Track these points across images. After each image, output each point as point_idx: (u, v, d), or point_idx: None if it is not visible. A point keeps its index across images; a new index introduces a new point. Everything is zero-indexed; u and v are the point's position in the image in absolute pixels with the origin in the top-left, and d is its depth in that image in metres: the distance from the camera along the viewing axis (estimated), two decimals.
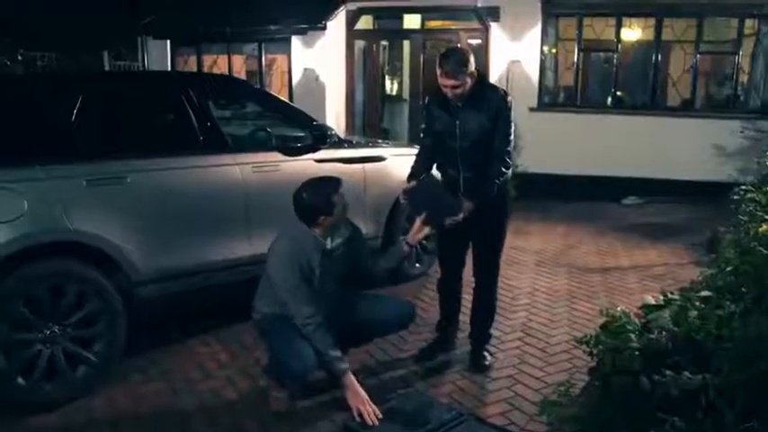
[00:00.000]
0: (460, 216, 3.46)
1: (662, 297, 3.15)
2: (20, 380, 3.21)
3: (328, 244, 3.26)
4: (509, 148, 3.58)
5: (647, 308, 3.06)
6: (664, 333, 2.75)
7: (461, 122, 3.54)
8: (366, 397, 3.09)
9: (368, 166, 4.99)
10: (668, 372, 2.40)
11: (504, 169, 3.58)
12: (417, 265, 5.58)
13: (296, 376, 3.16)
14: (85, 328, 3.44)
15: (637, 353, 2.63)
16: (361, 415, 3.02)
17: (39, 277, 3.26)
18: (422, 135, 3.88)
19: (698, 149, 8.76)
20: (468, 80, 3.45)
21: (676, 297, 3.12)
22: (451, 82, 3.41)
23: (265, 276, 3.30)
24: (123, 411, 3.35)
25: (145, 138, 3.89)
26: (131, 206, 3.61)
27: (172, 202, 3.80)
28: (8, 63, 8.67)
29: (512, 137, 3.59)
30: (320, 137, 4.54)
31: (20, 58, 8.76)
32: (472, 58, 3.46)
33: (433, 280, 5.49)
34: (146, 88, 4.21)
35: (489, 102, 3.52)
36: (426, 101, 3.82)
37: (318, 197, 3.17)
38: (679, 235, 7.21)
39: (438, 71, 3.44)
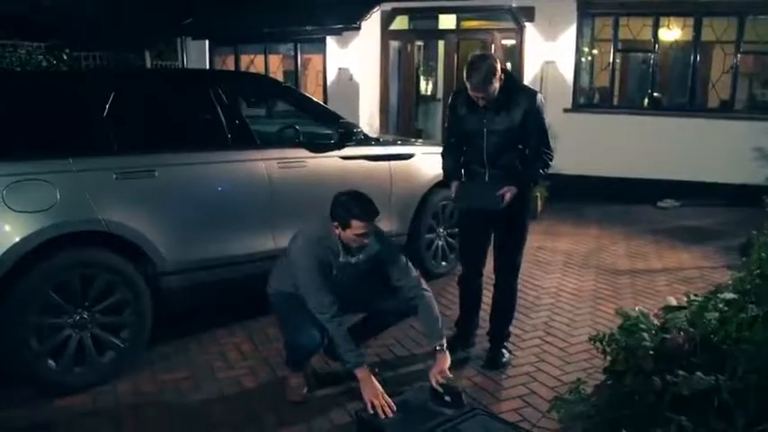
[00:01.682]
0: (502, 207, 3.55)
1: (685, 299, 3.12)
2: (51, 362, 3.36)
3: (342, 257, 3.28)
4: (548, 143, 3.65)
5: (667, 309, 3.04)
6: (681, 333, 2.73)
7: (488, 121, 3.56)
8: (381, 390, 3.12)
9: (394, 163, 5.04)
10: (680, 372, 2.39)
11: (549, 161, 3.66)
12: (443, 263, 5.60)
13: (299, 347, 3.28)
14: (113, 315, 3.57)
15: (651, 352, 2.62)
16: (374, 408, 3.06)
17: (69, 265, 3.39)
18: (448, 133, 3.91)
19: (737, 152, 8.58)
20: (496, 85, 3.47)
21: (699, 299, 3.08)
22: (480, 94, 3.48)
23: (284, 257, 3.37)
24: (146, 396, 3.47)
25: (174, 133, 4.02)
26: (159, 199, 3.73)
27: (198, 195, 3.91)
28: (55, 63, 8.98)
29: (548, 133, 3.66)
30: (346, 134, 4.61)
31: (65, 58, 9.07)
32: (499, 66, 3.46)
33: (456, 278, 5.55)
34: (176, 85, 4.35)
35: (518, 101, 3.53)
36: (451, 99, 3.84)
37: (342, 207, 3.18)
38: (714, 238, 7.09)
39: (466, 82, 3.48)
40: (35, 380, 3.38)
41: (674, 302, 3.12)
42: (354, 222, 3.15)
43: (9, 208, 3.20)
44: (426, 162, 5.28)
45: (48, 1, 9.58)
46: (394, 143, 5.40)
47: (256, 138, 4.25)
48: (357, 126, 4.77)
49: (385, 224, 5.02)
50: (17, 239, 3.21)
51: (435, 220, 5.50)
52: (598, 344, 2.86)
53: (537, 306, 4.90)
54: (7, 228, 3.22)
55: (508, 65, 9.58)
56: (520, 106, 3.52)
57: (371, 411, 3.04)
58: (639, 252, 6.59)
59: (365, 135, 4.81)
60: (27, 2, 9.77)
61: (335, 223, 3.20)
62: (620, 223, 7.84)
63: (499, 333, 3.92)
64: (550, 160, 3.66)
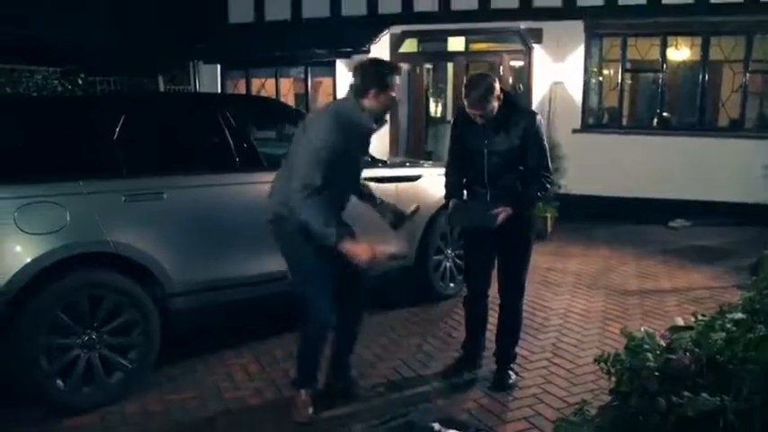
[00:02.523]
0: (495, 226, 3.55)
1: (693, 319, 3.10)
2: (59, 382, 3.39)
3: (372, 124, 3.26)
4: (548, 165, 3.65)
5: (673, 329, 3.02)
6: (687, 354, 2.71)
7: (489, 142, 3.59)
8: (369, 245, 3.15)
9: (401, 185, 5.06)
10: (686, 393, 2.37)
11: (547, 185, 3.66)
12: (451, 284, 5.59)
13: (322, 311, 3.31)
14: (121, 336, 3.60)
15: (656, 373, 2.60)
16: (367, 261, 3.12)
17: (78, 286, 3.45)
18: (449, 154, 3.94)
19: (748, 171, 8.56)
20: (495, 104, 3.52)
21: (706, 319, 3.07)
22: (477, 111, 3.52)
23: (286, 166, 3.30)
24: (154, 416, 3.49)
25: (182, 156, 4.10)
26: (168, 221, 3.79)
27: (207, 217, 3.96)
28: (70, 87, 9.15)
29: (547, 155, 3.65)
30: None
31: (80, 82, 9.24)
32: (497, 85, 3.52)
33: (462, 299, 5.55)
34: (184, 109, 4.43)
35: (517, 122, 3.57)
36: (453, 120, 3.90)
37: (381, 69, 3.21)
38: (724, 258, 7.04)
39: (464, 100, 3.54)
40: (44, 400, 3.42)
41: (681, 323, 3.11)
42: (394, 80, 3.20)
43: (20, 230, 3.27)
44: (434, 183, 5.28)
45: (63, 29, 9.78)
46: (401, 165, 5.44)
47: (264, 160, 4.30)
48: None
49: (392, 246, 5.07)
50: (28, 260, 3.27)
51: (443, 241, 5.51)
52: (603, 365, 2.85)
53: (545, 327, 4.88)
54: (18, 249, 3.29)
55: (520, 86, 9.64)
56: (518, 126, 3.55)
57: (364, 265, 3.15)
58: (649, 272, 6.54)
59: (372, 157, 4.85)
60: (42, 30, 9.99)
61: (372, 92, 3.18)
62: (631, 244, 7.80)
63: (505, 354, 3.91)
64: (550, 183, 3.67)
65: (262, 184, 4.11)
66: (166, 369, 3.97)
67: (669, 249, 7.57)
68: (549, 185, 3.67)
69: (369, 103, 3.21)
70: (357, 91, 3.22)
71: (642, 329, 2.95)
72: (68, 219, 3.38)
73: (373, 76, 3.20)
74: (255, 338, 4.50)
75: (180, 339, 4.07)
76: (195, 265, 3.87)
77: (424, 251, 5.34)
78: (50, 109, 3.99)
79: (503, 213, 3.55)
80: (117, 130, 3.74)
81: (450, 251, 5.57)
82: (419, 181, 5.26)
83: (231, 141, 4.15)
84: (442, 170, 5.39)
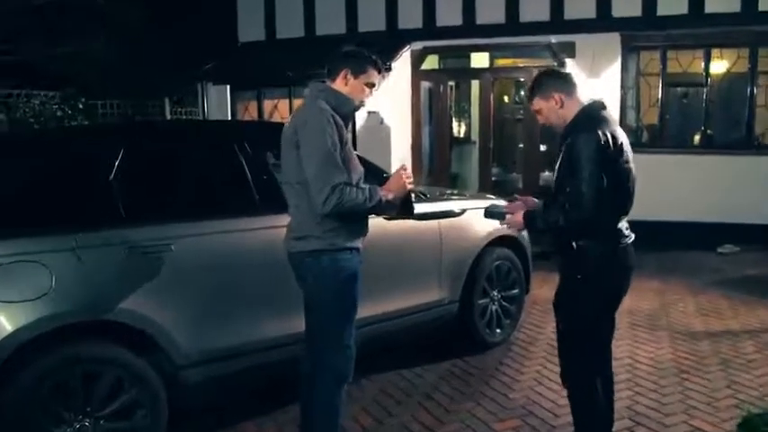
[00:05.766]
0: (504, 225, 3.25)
1: None
2: None
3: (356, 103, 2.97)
4: (580, 200, 2.75)
5: None
6: None
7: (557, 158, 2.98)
8: (401, 181, 2.98)
9: (444, 222, 4.42)
10: None
11: (565, 221, 2.83)
12: (498, 331, 4.93)
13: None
14: (122, 419, 2.95)
15: None
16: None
17: (68, 361, 2.80)
18: None
19: None
20: (543, 106, 2.95)
21: None
22: (531, 107, 3.06)
23: (293, 186, 2.90)
24: None
25: (193, 197, 3.43)
26: (177, 278, 3.13)
27: (224, 271, 3.30)
28: (70, 112, 8.58)
29: (583, 185, 2.74)
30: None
31: (81, 107, 8.68)
32: (552, 81, 2.97)
33: (516, 348, 4.90)
34: (196, 140, 3.75)
35: (568, 137, 2.88)
36: None
37: (354, 56, 2.96)
38: None
39: None
40: None
41: None
42: (370, 69, 2.94)
43: None
44: (479, 218, 4.63)
45: (62, 50, 9.27)
46: (442, 198, 4.79)
47: None
48: (383, 170, 4.15)
49: (435, 292, 4.43)
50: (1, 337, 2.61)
51: (489, 282, 4.85)
52: None
53: (614, 383, 4.17)
54: None
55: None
56: (567, 143, 2.86)
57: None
58: (711, 309, 5.90)
59: (412, 191, 4.19)
60: (41, 51, 9.48)
61: (344, 72, 2.91)
62: (681, 274, 7.16)
63: None
64: (569, 222, 2.82)
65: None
66: None
67: (725, 280, 6.95)
68: (566, 222, 2.83)
69: (338, 85, 2.93)
70: (329, 71, 2.97)
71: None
72: (53, 282, 2.73)
73: (347, 56, 2.96)
74: (277, 407, 3.83)
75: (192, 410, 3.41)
76: (210, 330, 3.21)
77: (469, 294, 4.68)
78: (31, 145, 3.34)
79: (514, 216, 3.03)
80: (115, 167, 3.10)
81: (495, 293, 4.91)
82: (463, 216, 4.60)
83: (251, 178, 3.50)
84: (486, 202, 4.83)
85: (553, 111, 2.95)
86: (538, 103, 2.98)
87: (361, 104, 3.01)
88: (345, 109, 2.92)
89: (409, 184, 3.01)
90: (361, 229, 2.97)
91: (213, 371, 3.24)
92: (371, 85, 2.98)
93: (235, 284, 3.33)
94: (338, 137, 2.80)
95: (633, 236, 3.02)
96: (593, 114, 2.91)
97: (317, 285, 2.89)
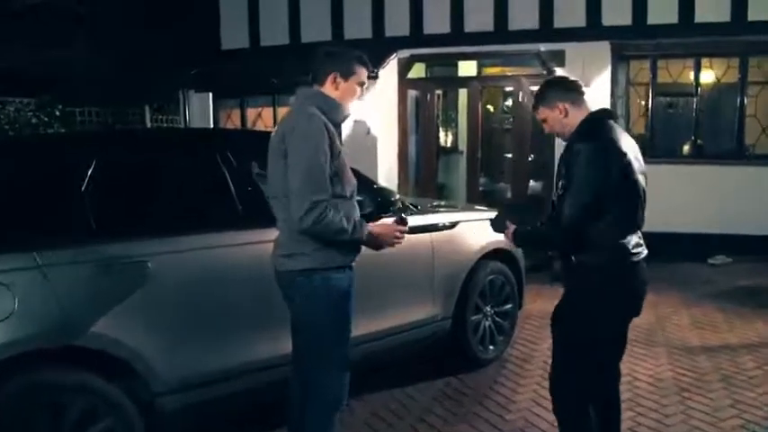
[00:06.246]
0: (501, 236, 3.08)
1: None
2: None
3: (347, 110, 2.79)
4: (573, 219, 2.66)
5: None
6: None
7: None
8: (389, 226, 2.86)
9: (436, 235, 4.23)
10: None
11: (560, 242, 2.81)
12: (491, 347, 4.76)
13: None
14: None
15: None
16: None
17: (32, 391, 2.55)
18: None
19: None
20: (548, 115, 2.83)
21: None
22: (537, 116, 2.93)
23: (277, 197, 2.71)
24: None
25: (173, 211, 3.20)
26: (154, 298, 2.89)
27: (205, 290, 3.07)
28: (46, 120, 8.28)
29: (575, 199, 2.63)
30: (383, 203, 3.77)
31: (58, 114, 8.37)
32: (556, 90, 2.85)
33: (510, 365, 4.72)
34: (176, 150, 3.51)
35: (570, 149, 2.74)
36: None
37: (339, 57, 2.76)
38: None
39: None
40: None
41: None
42: (358, 68, 2.76)
43: None
44: (472, 231, 4.49)
45: (39, 55, 9.00)
46: (434, 210, 4.60)
47: None
48: (394, 193, 3.96)
49: (427, 308, 4.23)
50: None
51: (482, 297, 4.67)
52: None
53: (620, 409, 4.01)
54: None
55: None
56: (569, 155, 2.74)
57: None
58: (707, 323, 5.79)
59: (403, 203, 4.00)
60: (20, 55, 9.20)
61: (332, 76, 2.72)
62: (674, 286, 7.03)
63: None
64: (562, 243, 2.80)
65: (271, 243, 3.28)
66: None
67: (718, 292, 6.86)
68: (561, 243, 2.81)
69: (328, 90, 2.74)
70: (315, 76, 2.76)
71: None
72: (15, 305, 2.49)
73: (332, 58, 2.76)
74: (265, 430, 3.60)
75: None
76: (190, 353, 2.98)
77: (462, 310, 4.50)
78: None
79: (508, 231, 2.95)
80: (87, 178, 2.86)
81: (488, 309, 4.74)
82: (456, 229, 4.41)
83: (234, 190, 3.28)
84: (480, 214, 4.66)
85: (557, 120, 2.84)
86: (543, 113, 2.87)
87: (349, 114, 2.85)
88: (338, 115, 2.74)
89: (397, 242, 2.87)
90: (356, 245, 2.77)
91: (194, 397, 3.01)
92: (362, 84, 2.82)
93: (217, 304, 3.10)
94: (330, 146, 2.60)
95: (644, 252, 2.84)
96: (595, 124, 2.77)
97: (308, 306, 2.69)
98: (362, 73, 2.80)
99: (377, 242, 2.80)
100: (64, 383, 2.64)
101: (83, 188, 2.84)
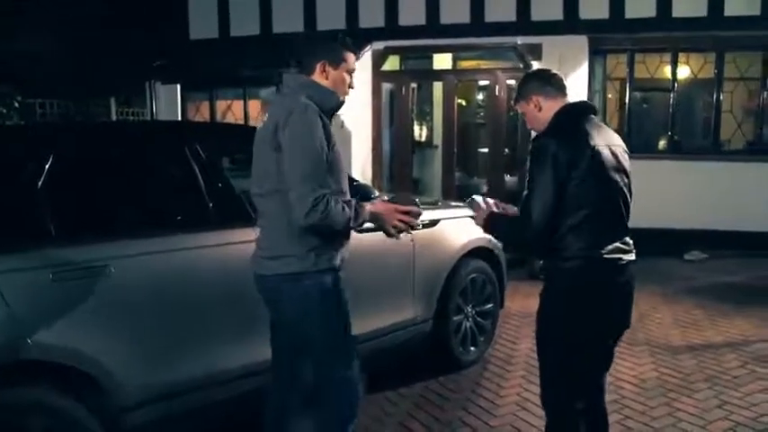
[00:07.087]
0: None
1: None
2: None
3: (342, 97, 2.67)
4: (538, 223, 2.47)
5: None
6: None
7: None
8: (392, 206, 2.71)
9: (417, 233, 4.03)
10: None
11: (521, 236, 2.66)
12: (472, 348, 4.63)
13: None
14: None
15: None
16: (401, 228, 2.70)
17: None
18: None
19: (765, 197, 8.03)
20: (525, 109, 2.70)
21: None
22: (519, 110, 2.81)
23: (268, 194, 2.53)
24: None
25: (136, 210, 2.98)
26: (118, 305, 2.67)
27: (174, 296, 2.86)
28: (5, 112, 7.92)
29: (536, 200, 2.46)
30: (362, 200, 3.58)
31: (17, 105, 8.00)
32: (531, 83, 2.70)
33: (493, 367, 4.59)
34: (141, 144, 3.27)
35: (532, 145, 2.59)
36: None
37: (325, 44, 2.65)
38: (761, 297, 6.34)
39: None
40: None
41: None
42: (347, 54, 2.64)
43: None
44: (454, 229, 4.34)
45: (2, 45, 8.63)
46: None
47: (250, 209, 3.19)
48: (374, 190, 3.76)
49: (407, 310, 4.07)
50: None
51: (463, 297, 4.52)
52: None
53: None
54: None
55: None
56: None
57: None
58: (688, 320, 5.74)
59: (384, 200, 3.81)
60: None
61: (321, 65, 2.57)
62: (652, 282, 6.99)
63: None
64: (522, 238, 2.67)
65: (246, 243, 3.06)
66: None
67: (697, 288, 6.87)
68: (522, 238, 2.70)
69: (318, 79, 2.61)
70: (304, 67, 2.62)
71: None
72: None
73: (319, 46, 2.66)
74: None
75: None
76: (158, 363, 2.76)
77: (443, 311, 4.34)
78: None
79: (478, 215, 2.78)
80: (42, 175, 2.62)
81: (470, 309, 4.60)
82: (437, 227, 4.25)
83: (204, 187, 3.06)
84: (462, 211, 4.50)
85: (532, 114, 2.68)
86: (521, 106, 2.73)
87: (344, 101, 2.69)
88: (331, 104, 2.60)
89: (401, 225, 2.72)
90: (345, 242, 2.60)
91: (163, 410, 2.79)
92: (351, 72, 2.68)
93: (187, 310, 2.89)
94: (326, 137, 2.45)
95: (627, 257, 2.63)
96: (566, 118, 2.57)
97: (300, 314, 2.51)
98: (351, 60, 2.67)
99: (380, 221, 2.69)
100: (15, 403, 2.39)
101: (38, 185, 2.60)
